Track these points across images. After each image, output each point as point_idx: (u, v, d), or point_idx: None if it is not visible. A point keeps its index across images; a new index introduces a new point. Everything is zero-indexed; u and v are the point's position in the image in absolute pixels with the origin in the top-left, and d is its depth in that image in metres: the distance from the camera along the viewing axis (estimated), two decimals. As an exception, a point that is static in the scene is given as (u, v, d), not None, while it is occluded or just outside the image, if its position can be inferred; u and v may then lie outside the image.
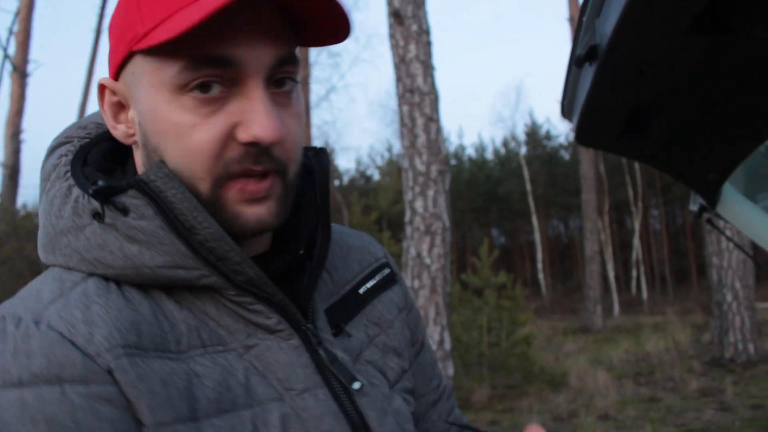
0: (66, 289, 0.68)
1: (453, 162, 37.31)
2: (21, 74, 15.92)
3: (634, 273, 30.29)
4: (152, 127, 0.70)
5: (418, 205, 6.38)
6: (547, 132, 37.65)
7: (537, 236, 31.15)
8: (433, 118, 6.52)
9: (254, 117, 0.67)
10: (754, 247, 7.32)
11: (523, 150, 36.40)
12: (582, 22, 1.12)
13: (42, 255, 0.75)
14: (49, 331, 0.63)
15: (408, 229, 6.43)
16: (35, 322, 0.64)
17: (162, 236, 0.68)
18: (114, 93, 0.75)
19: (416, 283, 6.26)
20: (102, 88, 0.75)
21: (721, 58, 1.06)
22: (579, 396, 8.34)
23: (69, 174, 0.74)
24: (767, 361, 9.51)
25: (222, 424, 0.67)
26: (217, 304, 0.73)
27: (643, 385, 8.85)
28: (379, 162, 37.38)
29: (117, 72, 0.73)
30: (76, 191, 0.72)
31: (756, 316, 10.13)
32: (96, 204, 0.70)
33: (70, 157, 0.77)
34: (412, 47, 6.55)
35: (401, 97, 6.61)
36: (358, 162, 43.45)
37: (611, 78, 1.12)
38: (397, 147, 34.41)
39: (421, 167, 6.43)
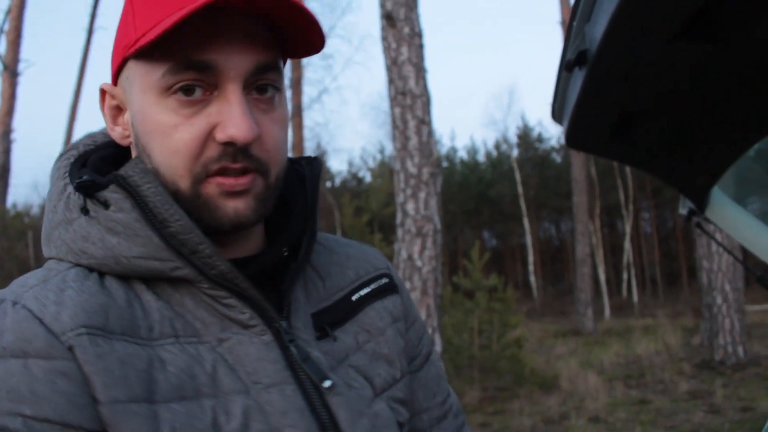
0: (50, 276, 0.74)
1: (445, 164, 37.35)
2: (12, 73, 15.85)
3: (625, 276, 30.39)
4: (142, 127, 0.76)
5: (410, 207, 6.39)
6: (539, 135, 37.74)
7: (528, 239, 31.22)
8: (425, 121, 6.53)
9: (230, 118, 0.72)
10: (744, 250, 7.36)
11: (515, 153, 36.49)
12: (572, 27, 1.13)
13: (43, 249, 0.81)
14: (21, 309, 0.68)
15: (399, 232, 6.44)
16: (13, 302, 0.69)
17: (138, 228, 0.73)
18: (113, 97, 0.81)
19: (407, 285, 6.26)
20: (103, 92, 0.82)
21: (710, 64, 1.07)
22: (570, 398, 8.36)
23: (66, 174, 0.80)
24: (756, 364, 9.56)
25: (180, 409, 0.69)
26: (194, 298, 0.77)
27: (633, 388, 8.88)
28: (371, 164, 37.34)
29: (116, 77, 0.80)
30: (69, 188, 0.77)
31: (745, 319, 10.18)
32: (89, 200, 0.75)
33: (72, 160, 0.82)
34: (404, 50, 6.56)
35: (393, 100, 6.62)
36: (350, 164, 43.43)
37: (601, 82, 1.13)
38: (389, 149, 34.45)
39: (412, 169, 6.44)
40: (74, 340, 0.67)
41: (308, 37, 0.76)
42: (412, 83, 6.54)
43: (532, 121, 56.06)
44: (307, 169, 0.89)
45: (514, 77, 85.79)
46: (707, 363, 9.96)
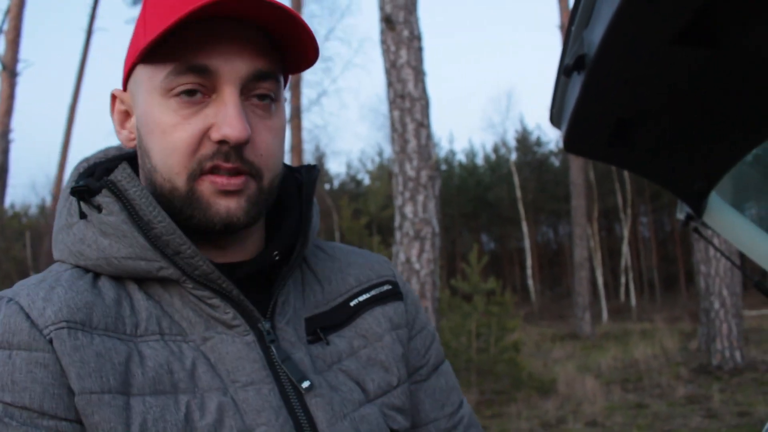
0: (48, 276, 0.79)
1: (443, 167, 37.35)
2: (11, 73, 15.84)
3: (622, 280, 30.41)
4: (144, 128, 0.80)
5: (408, 210, 6.39)
6: (538, 138, 37.81)
7: (526, 242, 31.23)
8: (423, 124, 6.54)
9: (225, 119, 0.76)
10: (741, 255, 7.37)
11: (514, 156, 36.53)
12: (570, 32, 1.13)
13: (53, 252, 0.86)
14: (14, 305, 0.73)
15: (398, 234, 6.44)
16: (9, 299, 0.75)
17: (125, 230, 0.77)
18: (122, 102, 0.86)
19: (405, 288, 6.25)
20: (114, 97, 0.87)
21: (708, 68, 1.07)
22: (567, 402, 8.36)
23: (72, 183, 0.84)
24: (754, 369, 9.56)
25: (154, 402, 0.73)
26: (183, 298, 0.80)
27: (630, 392, 8.88)
28: (370, 166, 37.35)
29: (125, 83, 0.85)
30: (72, 196, 0.82)
31: (743, 323, 10.18)
32: (84, 205, 0.80)
33: (81, 171, 0.87)
34: (404, 53, 6.57)
35: (392, 103, 6.62)
36: (349, 166, 43.35)
37: (599, 87, 1.14)
38: (388, 152, 34.45)
39: (411, 172, 6.45)
40: (54, 333, 0.71)
41: (302, 48, 0.80)
42: (411, 86, 6.54)
43: (530, 125, 56.26)
44: (305, 176, 0.92)
45: (512, 81, 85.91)
46: (704, 367, 9.96)
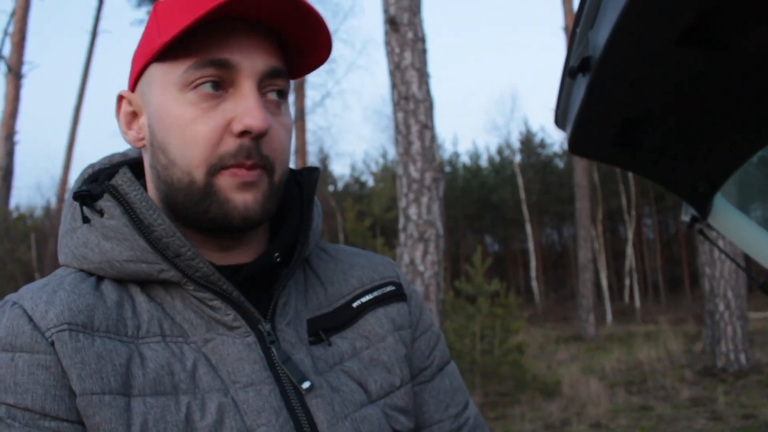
0: (52, 280, 0.80)
1: (447, 169, 37.37)
2: (16, 75, 15.89)
3: (627, 281, 30.36)
4: (159, 124, 0.81)
5: (412, 212, 6.39)
6: (542, 140, 37.74)
7: (530, 244, 31.19)
8: (427, 126, 6.54)
9: (247, 110, 0.77)
10: (746, 258, 7.35)
11: (518, 158, 36.50)
12: (575, 34, 1.13)
13: (58, 256, 0.87)
14: (17, 308, 0.75)
15: (401, 236, 6.44)
16: (13, 303, 0.76)
17: (126, 233, 0.78)
18: (130, 103, 0.86)
19: (409, 290, 6.24)
20: (120, 98, 0.87)
21: (712, 70, 1.07)
22: (571, 404, 8.35)
23: (76, 188, 0.86)
24: (759, 371, 9.53)
25: (155, 402, 0.73)
26: (184, 300, 0.81)
27: (635, 394, 8.86)
28: (374, 168, 37.35)
29: (134, 84, 0.85)
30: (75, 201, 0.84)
31: (748, 326, 10.15)
32: (87, 209, 0.82)
33: (86, 176, 0.88)
34: (408, 54, 6.57)
35: (396, 104, 6.62)
36: (353, 168, 43.44)
37: (604, 89, 1.13)
38: (392, 153, 34.49)
39: (415, 174, 6.44)
40: (56, 335, 0.72)
41: (314, 49, 0.83)
42: (415, 88, 6.54)
43: (534, 127, 56.17)
44: (306, 178, 0.94)
45: (516, 82, 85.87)
46: (709, 370, 9.93)
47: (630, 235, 29.85)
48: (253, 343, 0.81)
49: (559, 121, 1.48)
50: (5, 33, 16.37)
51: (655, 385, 9.35)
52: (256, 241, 0.88)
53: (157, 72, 0.81)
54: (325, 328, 0.89)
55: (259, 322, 0.82)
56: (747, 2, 0.90)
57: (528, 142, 37.80)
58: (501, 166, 38.18)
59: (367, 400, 0.86)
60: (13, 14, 16.40)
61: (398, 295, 0.98)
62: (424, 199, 6.40)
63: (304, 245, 0.89)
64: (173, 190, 0.81)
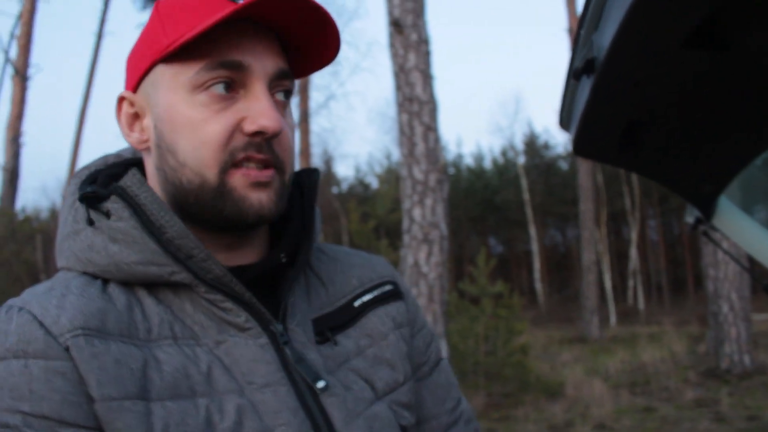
0: (57, 284, 0.78)
1: (451, 171, 37.32)
2: (22, 78, 15.93)
3: (630, 283, 30.30)
4: (168, 125, 0.80)
5: (416, 213, 6.39)
6: (546, 142, 37.71)
7: (534, 245, 31.16)
8: (431, 127, 6.54)
9: (261, 111, 0.78)
10: (750, 259, 7.32)
11: (522, 159, 36.42)
12: (580, 36, 1.14)
13: (56, 260, 0.85)
14: (26, 314, 0.72)
15: (406, 238, 6.44)
16: (19, 308, 0.73)
17: (136, 235, 0.77)
18: (132, 105, 0.85)
19: (413, 292, 6.25)
20: (121, 100, 0.86)
21: (717, 72, 1.07)
22: (575, 405, 8.33)
23: (76, 190, 0.85)
24: (762, 373, 9.51)
25: (174, 406, 0.73)
26: (194, 302, 0.80)
27: (638, 395, 8.84)
28: (378, 170, 37.33)
29: (137, 85, 0.84)
30: (77, 202, 0.83)
31: (751, 327, 10.13)
32: (92, 211, 0.81)
33: (83, 178, 0.87)
34: (412, 56, 6.57)
35: (400, 106, 6.62)
36: (357, 169, 43.24)
37: (608, 91, 1.14)
38: (396, 155, 34.40)
39: (419, 176, 6.45)
40: (71, 341, 0.71)
41: (322, 50, 0.84)
42: (419, 90, 6.54)
43: (538, 129, 56.04)
44: (306, 179, 0.94)
45: (520, 84, 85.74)
46: (713, 371, 9.91)
47: (634, 236, 29.78)
48: (266, 344, 0.81)
49: (564, 122, 1.48)
50: (12, 36, 16.42)
51: (658, 386, 9.33)
52: (258, 241, 0.88)
53: (165, 73, 0.80)
54: (329, 327, 0.89)
55: (270, 323, 0.82)
56: (752, 4, 0.91)
57: (532, 144, 37.75)
58: (505, 168, 38.12)
59: (375, 398, 0.87)
60: (19, 17, 16.45)
61: (396, 294, 1.00)
62: (429, 201, 6.40)
63: (309, 246, 0.89)
64: (183, 192, 0.80)
